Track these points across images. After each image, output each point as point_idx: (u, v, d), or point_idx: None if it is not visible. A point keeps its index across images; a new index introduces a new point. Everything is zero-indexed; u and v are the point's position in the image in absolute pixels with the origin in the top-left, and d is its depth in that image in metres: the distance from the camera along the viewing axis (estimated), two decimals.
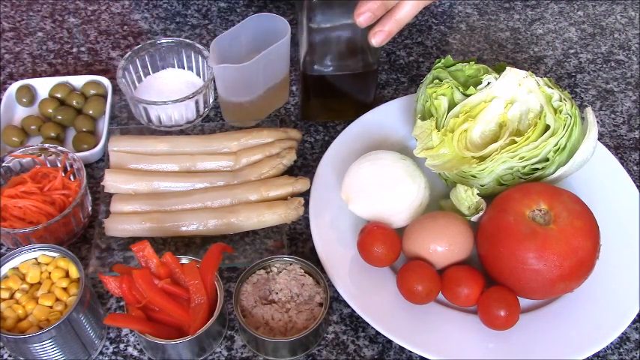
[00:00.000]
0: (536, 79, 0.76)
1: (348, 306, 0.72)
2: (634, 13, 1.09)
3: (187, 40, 0.92)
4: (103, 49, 1.01)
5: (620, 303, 0.71)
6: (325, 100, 0.89)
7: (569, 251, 0.66)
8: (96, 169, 0.86)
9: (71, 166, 0.79)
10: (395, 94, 0.96)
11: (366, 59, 0.83)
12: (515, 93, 0.76)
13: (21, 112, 0.91)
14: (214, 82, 0.87)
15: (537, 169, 0.74)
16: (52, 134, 0.86)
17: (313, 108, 0.90)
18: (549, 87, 0.76)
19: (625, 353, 0.72)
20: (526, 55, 1.02)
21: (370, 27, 0.74)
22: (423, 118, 0.78)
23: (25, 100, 0.91)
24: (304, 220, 0.80)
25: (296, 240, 0.80)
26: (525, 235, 0.66)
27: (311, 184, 0.80)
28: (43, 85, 0.92)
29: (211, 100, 0.91)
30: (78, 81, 0.92)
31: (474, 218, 0.73)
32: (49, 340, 0.64)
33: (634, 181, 0.82)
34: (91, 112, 0.89)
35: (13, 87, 0.91)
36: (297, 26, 0.81)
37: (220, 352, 0.71)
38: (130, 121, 0.91)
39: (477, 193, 0.72)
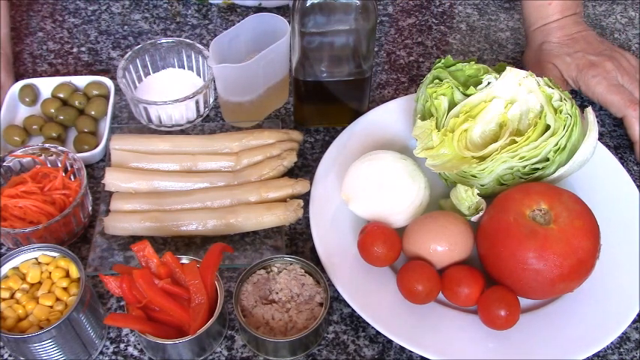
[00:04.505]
0: (536, 78, 0.76)
1: (348, 306, 0.72)
2: (634, 13, 1.09)
3: (187, 40, 0.92)
4: (103, 49, 1.01)
5: (620, 303, 0.71)
6: (318, 106, 0.88)
7: (569, 251, 0.66)
8: (96, 169, 0.86)
9: (71, 166, 0.79)
10: (395, 94, 0.96)
11: (360, 66, 0.82)
12: (516, 93, 0.77)
13: (23, 112, 0.91)
14: (214, 82, 0.87)
15: (537, 168, 0.74)
16: (54, 134, 0.86)
17: (306, 113, 0.89)
18: (549, 87, 0.76)
19: (625, 353, 0.72)
20: None
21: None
22: (423, 118, 0.78)
23: (27, 100, 0.91)
24: (304, 220, 0.80)
25: (296, 240, 0.80)
26: (525, 235, 0.66)
27: (311, 184, 0.80)
28: (46, 85, 0.92)
29: (211, 100, 0.91)
30: (81, 81, 0.92)
31: (474, 218, 0.73)
32: (50, 340, 0.64)
33: (634, 181, 0.82)
34: (92, 112, 0.89)
35: (17, 86, 0.91)
36: (290, 31, 0.81)
37: (220, 351, 0.71)
38: (130, 121, 0.91)
39: (477, 193, 0.72)
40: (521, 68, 0.77)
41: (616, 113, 0.88)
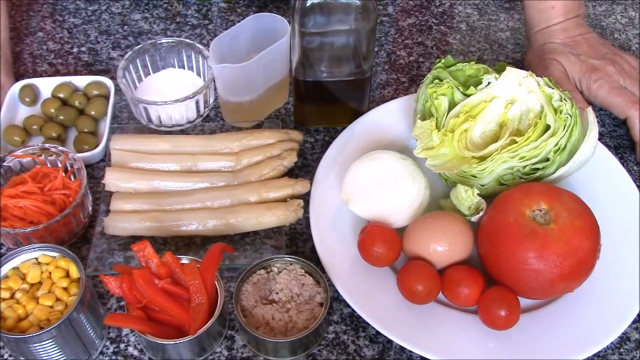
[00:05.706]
0: (536, 79, 0.76)
1: (349, 306, 0.72)
2: (634, 13, 1.09)
3: (187, 40, 0.92)
4: (104, 49, 1.01)
5: (620, 303, 0.71)
6: (318, 106, 0.88)
7: (569, 251, 0.66)
8: (96, 169, 0.86)
9: (71, 166, 0.79)
10: (395, 94, 0.96)
11: (360, 66, 0.82)
12: (516, 93, 0.77)
13: (23, 112, 0.91)
14: (214, 82, 0.87)
15: (537, 169, 0.74)
16: (54, 134, 0.86)
17: (306, 113, 0.89)
18: (549, 87, 0.76)
19: (625, 353, 0.72)
20: None
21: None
22: (423, 118, 0.78)
23: (27, 100, 0.91)
24: (304, 220, 0.80)
25: (296, 240, 0.80)
26: (525, 235, 0.67)
27: (311, 184, 0.80)
28: (46, 85, 0.92)
29: (211, 100, 0.91)
30: (81, 81, 0.92)
31: (474, 218, 0.73)
32: (50, 340, 0.64)
33: (634, 181, 0.82)
34: (92, 112, 0.89)
35: (17, 86, 0.91)
36: (290, 31, 0.81)
37: (221, 352, 0.71)
38: (130, 121, 0.91)
39: (477, 193, 0.72)
40: (522, 68, 0.77)
41: (619, 115, 0.88)
